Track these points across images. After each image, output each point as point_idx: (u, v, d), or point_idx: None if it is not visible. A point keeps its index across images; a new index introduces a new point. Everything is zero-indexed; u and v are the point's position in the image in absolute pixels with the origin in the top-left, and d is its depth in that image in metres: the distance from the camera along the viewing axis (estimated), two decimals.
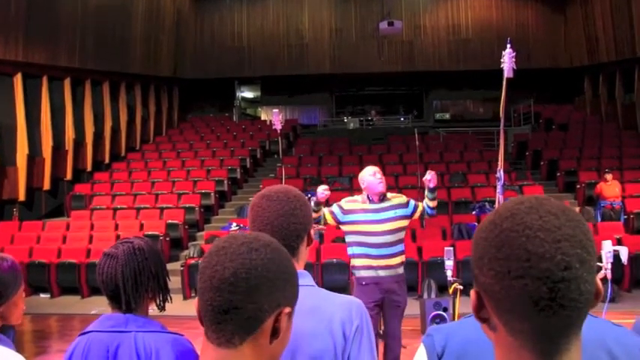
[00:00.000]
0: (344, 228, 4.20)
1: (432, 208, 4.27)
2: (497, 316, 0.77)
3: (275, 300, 0.92)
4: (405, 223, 4.18)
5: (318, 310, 1.37)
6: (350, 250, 4.19)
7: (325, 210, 4.19)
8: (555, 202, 0.78)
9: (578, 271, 0.72)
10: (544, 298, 0.71)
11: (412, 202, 4.23)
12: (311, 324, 1.34)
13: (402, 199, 4.22)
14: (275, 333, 0.92)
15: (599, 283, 0.77)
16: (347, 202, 4.19)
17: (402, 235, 4.19)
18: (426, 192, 4.25)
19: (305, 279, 1.44)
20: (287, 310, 0.93)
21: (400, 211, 4.13)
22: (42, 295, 9.53)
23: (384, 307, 4.13)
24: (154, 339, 1.60)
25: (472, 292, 0.81)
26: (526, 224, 0.74)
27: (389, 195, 4.22)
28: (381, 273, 4.06)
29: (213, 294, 0.90)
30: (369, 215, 4.08)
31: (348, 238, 4.18)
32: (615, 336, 1.00)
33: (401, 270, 4.15)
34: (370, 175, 4.12)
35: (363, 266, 4.08)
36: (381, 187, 4.10)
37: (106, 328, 1.63)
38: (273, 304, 0.92)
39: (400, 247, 4.16)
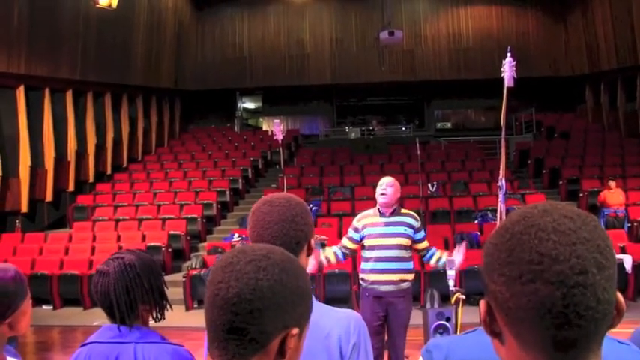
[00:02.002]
0: (364, 242, 4.23)
1: (427, 262, 4.39)
2: (509, 327, 0.71)
3: (281, 322, 0.88)
4: (408, 241, 4.20)
5: (315, 326, 1.31)
6: (361, 264, 4.27)
7: (343, 240, 4.26)
8: (571, 207, 0.74)
9: (595, 277, 0.66)
10: (557, 304, 0.66)
11: (422, 234, 4.25)
12: (308, 340, 1.33)
13: (415, 222, 4.21)
14: (282, 353, 0.89)
15: (622, 298, 0.71)
16: (358, 220, 4.24)
17: (410, 252, 4.23)
18: (443, 261, 4.27)
19: None
20: (294, 331, 0.89)
21: (409, 231, 4.16)
22: (44, 307, 9.50)
23: (389, 318, 4.17)
24: (153, 349, 1.60)
25: (482, 303, 0.75)
26: (539, 226, 0.69)
27: (404, 211, 4.26)
28: (384, 288, 4.12)
29: (217, 312, 0.88)
30: (378, 229, 4.14)
31: (363, 253, 4.25)
32: (618, 356, 0.94)
33: (406, 285, 4.19)
34: (378, 187, 4.20)
35: (369, 280, 4.17)
36: (380, 199, 4.15)
37: (106, 339, 1.63)
38: (278, 325, 0.88)
39: (407, 265, 4.19)
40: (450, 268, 4.22)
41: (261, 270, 0.88)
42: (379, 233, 4.12)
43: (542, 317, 0.67)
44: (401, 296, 4.15)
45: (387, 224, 4.13)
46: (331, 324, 1.39)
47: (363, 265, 4.23)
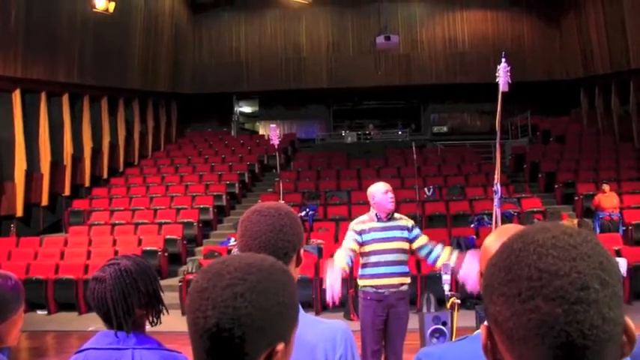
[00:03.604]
0: (363, 249, 4.20)
1: (433, 263, 4.22)
2: (510, 351, 0.67)
3: (265, 342, 0.87)
4: (407, 245, 4.21)
5: (300, 339, 1.29)
6: (360, 271, 4.24)
7: (348, 244, 4.15)
8: (573, 227, 0.71)
9: (598, 294, 0.63)
10: (559, 322, 0.61)
11: (416, 231, 4.22)
12: (294, 353, 1.32)
13: (408, 222, 4.24)
14: None
15: (632, 326, 0.67)
16: (357, 224, 4.21)
17: (406, 256, 4.23)
18: (454, 260, 4.06)
19: None
20: (280, 347, 0.88)
21: (405, 233, 4.17)
22: (39, 312, 9.45)
23: (388, 321, 4.17)
24: (151, 356, 1.59)
25: (482, 328, 0.72)
26: (537, 243, 0.66)
27: (397, 215, 4.25)
28: (385, 291, 4.14)
29: (197, 339, 0.87)
30: (377, 234, 4.14)
31: (362, 259, 4.23)
32: None
33: (405, 288, 4.22)
34: (382, 194, 4.16)
35: (370, 285, 4.17)
36: (390, 206, 4.16)
37: (104, 345, 1.62)
38: (263, 345, 0.87)
39: (406, 268, 4.22)
40: (445, 273, 4.22)
41: (238, 297, 0.86)
42: (378, 238, 4.13)
43: (543, 337, 0.63)
44: (401, 298, 4.17)
45: (385, 229, 4.14)
46: (317, 336, 1.37)
47: (362, 271, 4.21)
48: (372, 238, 4.13)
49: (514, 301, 0.65)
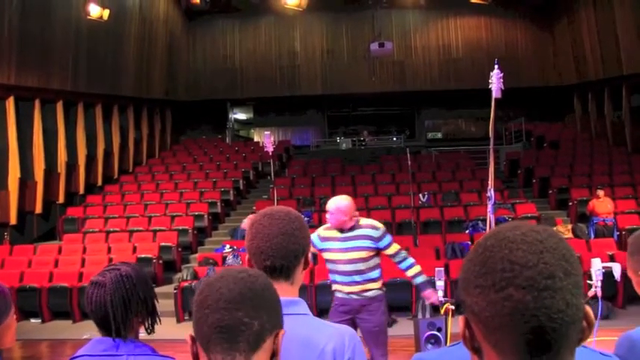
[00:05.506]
0: (323, 255, 4.14)
1: (404, 271, 4.19)
2: (487, 338, 0.75)
3: (274, 321, 1.03)
4: (370, 253, 4.01)
5: (310, 341, 1.36)
6: (329, 275, 4.19)
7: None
8: (540, 225, 0.80)
9: (562, 282, 0.71)
10: (529, 308, 0.70)
11: (385, 241, 4.04)
12: (303, 355, 1.32)
13: (374, 231, 4.01)
14: (274, 354, 1.01)
15: (591, 313, 0.76)
16: (324, 230, 4.13)
17: (372, 262, 4.02)
18: (421, 281, 4.17)
19: (300, 306, 1.42)
20: (282, 332, 1.03)
21: (368, 243, 3.98)
22: (33, 321, 9.38)
23: (360, 328, 4.04)
24: None
25: (460, 319, 0.79)
26: (509, 239, 0.75)
27: (362, 222, 4.06)
28: (349, 297, 4.04)
29: (219, 315, 0.98)
30: (337, 244, 4.02)
31: (327, 265, 4.17)
32: None
33: (371, 293, 4.02)
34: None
35: (336, 290, 4.11)
36: (330, 224, 4.06)
37: (98, 352, 1.62)
38: (273, 324, 1.02)
39: (372, 275, 4.03)
40: (439, 279, 4.22)
41: (252, 276, 1.04)
42: (338, 248, 4.01)
43: (516, 322, 0.71)
44: (366, 304, 4.03)
45: (345, 239, 4.00)
46: (326, 339, 1.39)
47: (330, 276, 4.16)
48: (332, 247, 4.03)
49: (489, 291, 0.73)
